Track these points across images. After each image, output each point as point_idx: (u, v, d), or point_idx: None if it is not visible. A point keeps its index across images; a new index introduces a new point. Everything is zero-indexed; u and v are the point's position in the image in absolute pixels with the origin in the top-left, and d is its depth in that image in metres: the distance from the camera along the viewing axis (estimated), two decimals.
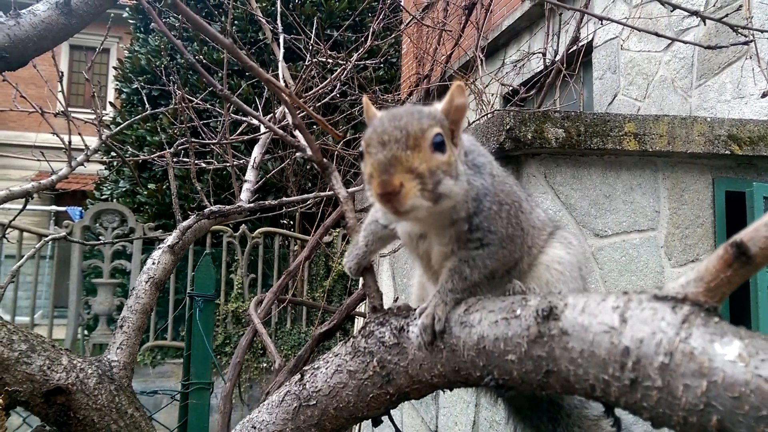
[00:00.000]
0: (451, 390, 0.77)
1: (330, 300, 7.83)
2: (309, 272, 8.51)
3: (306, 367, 0.89)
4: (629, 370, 0.58)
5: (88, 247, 7.94)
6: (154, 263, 1.85)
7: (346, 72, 3.58)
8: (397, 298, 3.66)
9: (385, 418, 0.91)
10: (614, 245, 2.77)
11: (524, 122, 2.65)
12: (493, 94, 5.71)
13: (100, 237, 7.84)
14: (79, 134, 2.75)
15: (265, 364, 7.66)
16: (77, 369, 1.55)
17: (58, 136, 2.66)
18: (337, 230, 8.69)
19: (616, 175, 2.79)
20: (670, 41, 3.89)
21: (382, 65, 9.65)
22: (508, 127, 2.63)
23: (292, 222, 10.59)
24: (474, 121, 3.24)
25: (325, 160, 0.94)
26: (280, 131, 1.04)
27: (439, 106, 0.82)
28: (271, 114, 3.37)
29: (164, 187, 9.30)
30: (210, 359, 2.32)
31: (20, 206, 2.86)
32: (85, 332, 7.96)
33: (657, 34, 2.00)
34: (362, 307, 6.13)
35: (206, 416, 2.30)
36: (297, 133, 1.07)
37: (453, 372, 0.71)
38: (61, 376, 1.51)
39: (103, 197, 9.97)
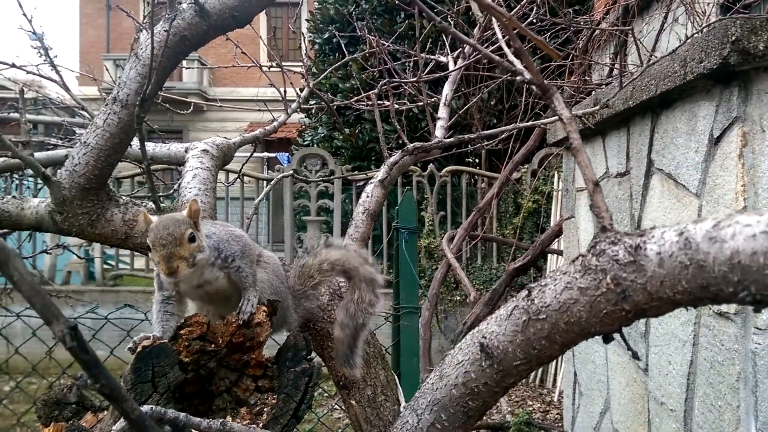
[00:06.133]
0: (695, 307, 0.74)
1: (521, 237, 7.76)
2: (498, 209, 8.49)
3: (531, 285, 0.92)
4: None
5: (298, 188, 8.83)
6: (368, 196, 2.01)
7: None
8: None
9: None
10: None
11: (754, 31, 2.29)
12: (708, 3, 4.99)
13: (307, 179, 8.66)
14: (291, 84, 3.04)
15: (458, 297, 7.95)
16: None
17: (275, 86, 2.96)
18: (526, 166, 8.49)
19: None
20: None
21: None
22: (733, 38, 2.29)
23: (477, 160, 10.58)
24: (688, 38, 2.88)
25: (545, 81, 0.93)
26: (496, 57, 1.05)
27: (185, 213, 1.29)
28: (459, 50, 3.36)
29: (357, 131, 9.86)
30: (417, 286, 2.49)
31: (246, 154, 3.28)
32: None
33: None
34: (556, 245, 5.99)
35: (417, 337, 2.50)
36: (512, 58, 1.07)
37: (700, 288, 0.69)
38: None
39: (305, 143, 10.90)
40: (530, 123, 2.14)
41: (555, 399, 7.07)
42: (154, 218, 1.28)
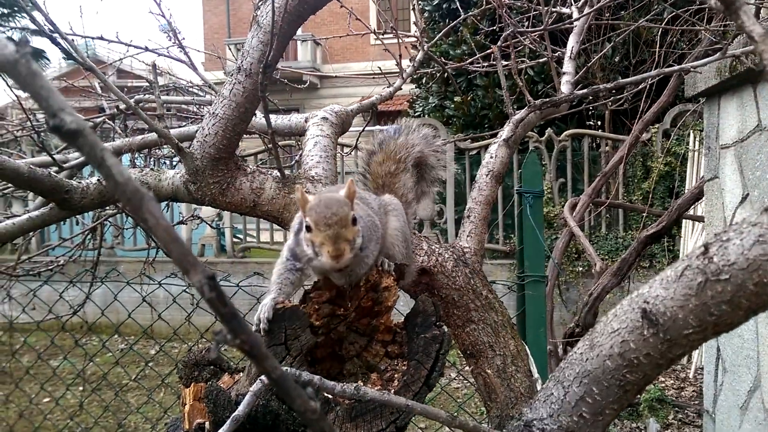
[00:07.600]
0: None
1: (651, 203, 7.18)
2: (624, 174, 7.91)
3: (710, 241, 0.78)
4: None
5: None
6: (492, 157, 1.90)
7: None
8: (747, 194, 3.13)
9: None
10: None
11: None
12: None
13: None
14: (407, 47, 2.97)
15: (580, 268, 7.56)
16: (436, 254, 1.71)
17: (391, 53, 2.90)
18: (657, 126, 7.80)
19: None
20: None
21: None
22: None
23: (600, 122, 9.94)
24: None
25: None
26: None
27: (343, 193, 1.18)
28: None
29: (469, 98, 9.60)
30: (543, 252, 2.35)
31: (359, 129, 3.28)
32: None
33: None
34: (692, 210, 5.46)
35: (543, 307, 2.36)
36: None
37: None
38: (423, 259, 1.70)
39: (416, 114, 10.81)
40: (678, 67, 1.89)
41: (690, 375, 6.57)
42: (311, 197, 1.18)
